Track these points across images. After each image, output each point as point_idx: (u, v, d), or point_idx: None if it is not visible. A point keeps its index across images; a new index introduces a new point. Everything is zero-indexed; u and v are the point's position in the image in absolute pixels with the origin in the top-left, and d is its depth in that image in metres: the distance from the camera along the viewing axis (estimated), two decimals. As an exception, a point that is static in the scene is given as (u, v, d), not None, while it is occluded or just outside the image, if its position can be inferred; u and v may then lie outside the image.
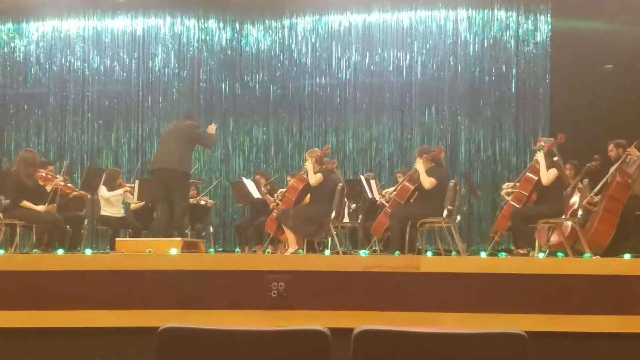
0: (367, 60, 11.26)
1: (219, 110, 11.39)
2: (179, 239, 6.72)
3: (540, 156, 6.65)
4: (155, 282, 4.79)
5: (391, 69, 11.22)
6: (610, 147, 7.16)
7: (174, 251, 5.88)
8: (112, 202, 8.50)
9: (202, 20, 11.55)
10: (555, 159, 6.70)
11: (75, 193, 7.65)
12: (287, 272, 4.75)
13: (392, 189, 8.02)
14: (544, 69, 10.86)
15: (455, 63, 11.06)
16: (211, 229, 9.94)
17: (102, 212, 8.39)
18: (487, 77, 11.00)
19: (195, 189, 9.59)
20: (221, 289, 4.75)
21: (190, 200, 8.59)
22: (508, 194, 7.45)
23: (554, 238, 6.87)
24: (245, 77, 11.44)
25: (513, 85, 10.93)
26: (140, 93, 11.44)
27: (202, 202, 9.59)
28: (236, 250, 9.48)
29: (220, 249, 10.52)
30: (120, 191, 8.57)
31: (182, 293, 4.74)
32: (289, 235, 7.23)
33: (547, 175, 6.56)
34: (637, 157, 6.83)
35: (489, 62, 11.00)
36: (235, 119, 11.43)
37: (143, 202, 8.78)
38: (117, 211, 8.58)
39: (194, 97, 11.43)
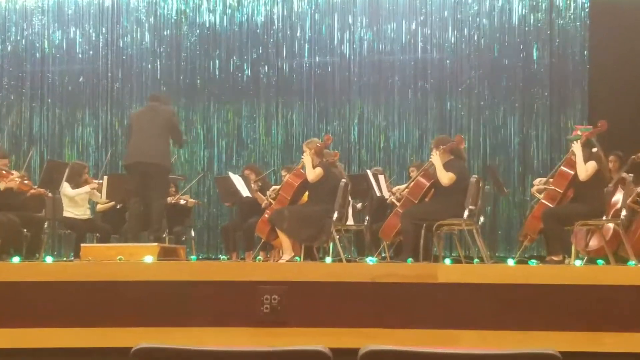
0: (374, 35, 11.25)
1: (202, 94, 11.38)
2: (155, 244, 6.72)
3: (577, 147, 6.63)
4: (128, 295, 4.79)
5: (402, 44, 11.20)
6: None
7: (149, 258, 5.87)
8: (76, 201, 8.50)
9: (182, -12, 11.55)
10: (595, 150, 6.69)
11: (33, 191, 7.65)
12: (281, 283, 4.75)
13: (404, 185, 8.02)
14: (582, 45, 10.84)
15: (478, 38, 11.04)
16: (193, 233, 9.95)
17: (65, 213, 8.40)
18: (514, 54, 10.98)
19: (174, 186, 9.58)
20: (204, 303, 4.76)
21: (169, 199, 8.58)
22: (539, 191, 7.45)
23: (594, 242, 6.87)
24: (233, 56, 11.43)
25: (545, 64, 10.91)
26: (110, 74, 11.43)
27: (182, 202, 9.58)
28: (222, 257, 9.48)
29: (204, 256, 10.52)
30: (86, 188, 8.56)
31: (159, 307, 4.74)
32: (284, 240, 7.22)
33: (585, 169, 6.55)
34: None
35: (517, 36, 10.98)
36: (221, 104, 11.42)
37: (113, 202, 8.78)
38: (82, 212, 8.58)
39: (173, 79, 11.41)
